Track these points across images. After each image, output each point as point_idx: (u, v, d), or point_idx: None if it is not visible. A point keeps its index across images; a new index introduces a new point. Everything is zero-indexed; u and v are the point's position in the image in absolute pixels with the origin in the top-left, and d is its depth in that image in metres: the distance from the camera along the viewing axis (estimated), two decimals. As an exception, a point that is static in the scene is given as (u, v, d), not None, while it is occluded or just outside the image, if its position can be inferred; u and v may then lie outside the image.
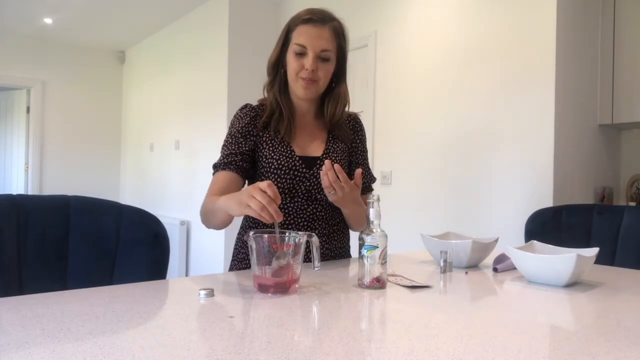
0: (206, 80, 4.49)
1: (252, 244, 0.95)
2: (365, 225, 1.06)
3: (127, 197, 6.15)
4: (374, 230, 1.02)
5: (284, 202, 1.31)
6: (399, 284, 1.05)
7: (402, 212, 3.15)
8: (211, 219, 1.25)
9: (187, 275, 4.61)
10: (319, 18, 1.29)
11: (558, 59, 2.43)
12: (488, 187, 2.70)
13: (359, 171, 1.20)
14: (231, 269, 1.39)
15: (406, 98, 3.19)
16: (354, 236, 1.44)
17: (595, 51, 2.67)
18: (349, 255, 1.46)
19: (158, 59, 5.57)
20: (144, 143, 5.82)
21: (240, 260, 1.37)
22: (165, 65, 5.38)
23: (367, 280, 1.01)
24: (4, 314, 0.77)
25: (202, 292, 0.89)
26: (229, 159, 1.31)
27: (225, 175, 1.30)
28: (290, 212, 1.32)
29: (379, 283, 1.01)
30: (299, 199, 1.32)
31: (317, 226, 1.34)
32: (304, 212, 1.33)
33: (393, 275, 1.13)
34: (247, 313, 0.81)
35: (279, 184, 1.30)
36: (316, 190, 1.32)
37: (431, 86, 3.03)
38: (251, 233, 0.96)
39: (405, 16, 3.23)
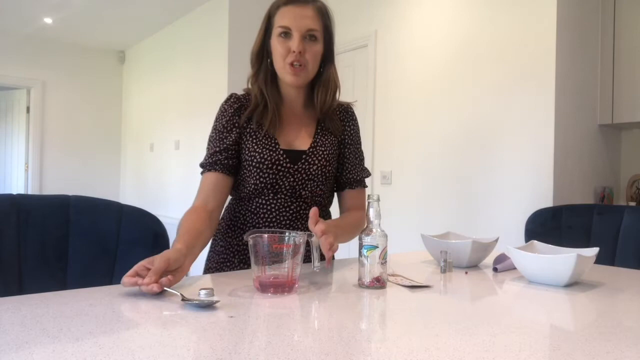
0: (206, 80, 4.49)
1: (252, 243, 0.95)
2: (353, 237, 1.04)
3: (127, 197, 6.15)
4: (374, 230, 1.02)
5: (266, 198, 1.26)
6: (399, 284, 1.05)
7: (402, 212, 3.15)
8: None
9: (187, 275, 4.61)
10: None
11: (558, 59, 2.43)
12: (488, 187, 2.70)
13: (313, 210, 1.04)
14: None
15: (406, 98, 3.20)
16: None
17: (595, 51, 2.67)
18: (333, 258, 1.41)
19: (158, 59, 5.57)
20: (144, 143, 5.82)
21: (218, 262, 1.31)
22: (165, 65, 5.38)
23: (367, 280, 1.01)
24: (4, 314, 0.77)
25: (202, 292, 0.89)
26: (214, 158, 1.25)
27: (212, 177, 1.25)
28: (273, 210, 1.26)
29: (379, 283, 1.01)
30: (282, 196, 1.26)
31: (301, 226, 1.27)
32: (287, 209, 1.27)
33: (393, 275, 1.13)
34: (247, 313, 0.81)
35: (261, 179, 1.25)
36: (300, 187, 1.26)
37: (431, 86, 3.03)
38: (250, 233, 0.96)
39: (405, 16, 3.23)
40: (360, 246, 1.02)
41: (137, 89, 6.11)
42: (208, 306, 0.82)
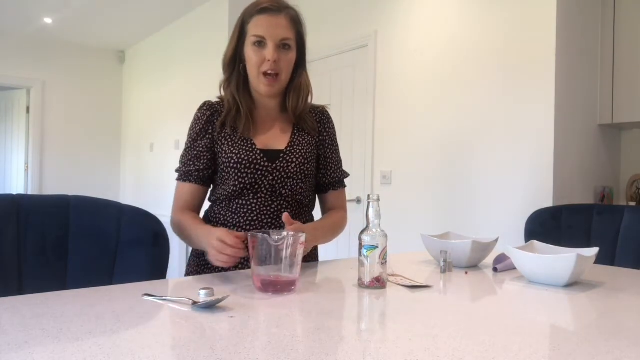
0: (206, 80, 4.49)
1: (252, 243, 0.95)
2: (336, 236, 1.04)
3: (127, 197, 6.15)
4: (374, 230, 1.02)
5: (246, 198, 1.27)
6: (399, 284, 1.05)
7: (402, 212, 3.15)
8: (188, 242, 1.27)
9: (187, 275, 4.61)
10: (275, 7, 1.24)
11: (558, 58, 2.43)
12: (488, 187, 2.70)
13: (285, 215, 1.12)
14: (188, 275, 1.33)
15: (406, 98, 3.19)
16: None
17: (595, 51, 2.67)
18: (316, 259, 1.40)
19: (158, 59, 5.57)
20: (144, 143, 5.82)
21: (198, 265, 1.33)
22: (165, 65, 5.38)
23: (367, 280, 1.01)
24: (4, 314, 0.77)
25: (202, 292, 0.89)
26: (189, 168, 1.29)
27: (187, 188, 1.30)
28: (254, 209, 1.27)
29: (379, 283, 1.01)
30: (262, 195, 1.27)
31: (282, 224, 1.26)
32: (268, 208, 1.27)
33: (393, 275, 1.13)
34: (247, 313, 0.81)
35: (241, 179, 1.25)
36: (280, 186, 1.27)
37: (431, 86, 3.03)
38: (250, 233, 0.96)
39: (405, 16, 3.23)
40: (360, 246, 1.02)
41: (137, 89, 6.11)
42: (217, 304, 0.82)
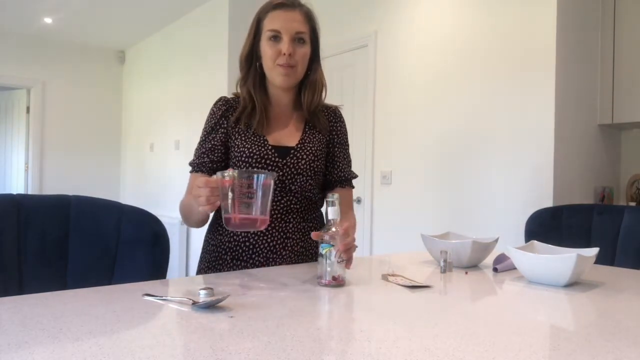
0: (206, 80, 4.49)
1: (222, 179, 0.98)
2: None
3: (127, 197, 6.15)
4: (333, 229, 1.02)
5: None
6: (398, 284, 1.05)
7: (402, 212, 3.15)
8: (190, 216, 1.27)
9: (187, 275, 4.61)
10: (289, 2, 1.29)
11: (558, 59, 2.43)
12: (488, 187, 2.70)
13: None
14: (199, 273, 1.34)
15: (406, 98, 3.20)
16: None
17: (595, 51, 2.67)
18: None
19: (158, 59, 5.57)
20: (144, 143, 5.82)
21: (210, 261, 1.32)
22: (165, 65, 5.38)
23: (325, 278, 1.01)
24: (4, 314, 0.77)
25: (202, 292, 0.89)
26: (202, 160, 1.31)
27: (199, 178, 1.30)
28: None
29: (336, 281, 1.01)
30: None
31: (292, 219, 1.30)
32: (278, 204, 1.28)
33: (393, 275, 1.13)
34: (247, 312, 0.81)
35: None
36: (290, 181, 1.29)
37: (431, 86, 3.03)
38: (220, 172, 0.99)
39: (405, 16, 3.23)
40: (319, 245, 1.03)
41: (137, 89, 6.11)
42: (217, 304, 0.82)
